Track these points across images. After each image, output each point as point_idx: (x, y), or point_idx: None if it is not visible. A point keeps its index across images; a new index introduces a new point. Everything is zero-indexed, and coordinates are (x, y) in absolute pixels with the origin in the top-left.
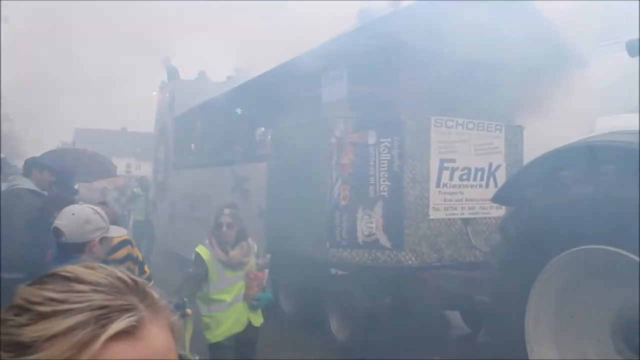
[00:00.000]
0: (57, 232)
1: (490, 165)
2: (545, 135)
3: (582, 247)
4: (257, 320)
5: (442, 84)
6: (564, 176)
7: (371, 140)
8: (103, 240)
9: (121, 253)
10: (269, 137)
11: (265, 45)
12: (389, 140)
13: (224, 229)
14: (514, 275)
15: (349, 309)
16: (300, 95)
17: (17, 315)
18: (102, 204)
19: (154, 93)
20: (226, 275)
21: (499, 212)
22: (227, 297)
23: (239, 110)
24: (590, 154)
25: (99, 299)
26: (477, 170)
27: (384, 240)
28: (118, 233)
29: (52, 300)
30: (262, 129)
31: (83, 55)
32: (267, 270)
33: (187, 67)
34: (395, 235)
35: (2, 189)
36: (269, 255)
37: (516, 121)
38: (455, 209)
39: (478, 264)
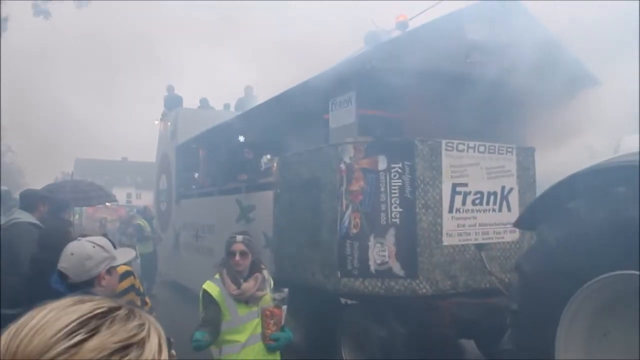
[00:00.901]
0: (62, 275)
1: (503, 188)
2: (556, 157)
3: (618, 272)
4: None
5: (451, 106)
6: (605, 194)
7: (382, 165)
8: (110, 270)
9: (124, 285)
10: (275, 164)
11: (271, 70)
12: (400, 165)
13: (237, 258)
14: (550, 284)
15: (362, 340)
16: (307, 121)
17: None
18: (104, 236)
19: (156, 122)
20: (239, 313)
21: (513, 236)
22: (241, 338)
23: (241, 138)
24: (627, 174)
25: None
26: (489, 194)
27: (397, 269)
28: (126, 258)
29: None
30: (268, 156)
31: (83, 85)
32: (285, 307)
33: (189, 95)
34: (409, 264)
35: (2, 222)
36: (286, 290)
37: (527, 143)
38: (469, 234)
39: (494, 290)
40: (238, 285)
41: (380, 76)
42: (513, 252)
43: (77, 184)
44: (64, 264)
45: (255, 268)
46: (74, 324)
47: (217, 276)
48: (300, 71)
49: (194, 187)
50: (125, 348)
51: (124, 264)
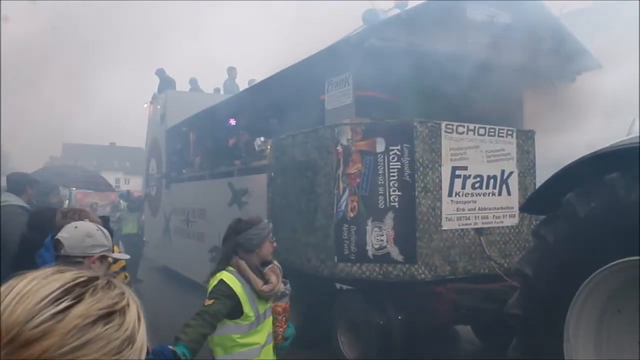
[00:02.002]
0: (57, 244)
1: (503, 172)
2: (557, 140)
3: (633, 257)
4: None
5: (451, 87)
6: (612, 180)
7: (380, 147)
8: (102, 259)
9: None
10: (269, 146)
11: (264, 50)
12: (399, 147)
13: (271, 244)
14: (553, 284)
15: (359, 326)
16: (302, 102)
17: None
18: (104, 218)
19: (145, 105)
20: (259, 310)
21: (512, 220)
22: (260, 339)
23: (233, 121)
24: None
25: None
26: (489, 177)
27: (396, 254)
28: (120, 257)
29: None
30: (262, 138)
31: (71, 69)
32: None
33: (179, 78)
34: (407, 248)
35: None
36: (287, 281)
37: (526, 126)
38: (468, 218)
39: (492, 275)
40: (265, 281)
41: (378, 56)
42: (512, 236)
43: (74, 168)
44: (64, 233)
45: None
46: (58, 291)
47: (230, 268)
48: (294, 50)
49: (184, 171)
50: (109, 315)
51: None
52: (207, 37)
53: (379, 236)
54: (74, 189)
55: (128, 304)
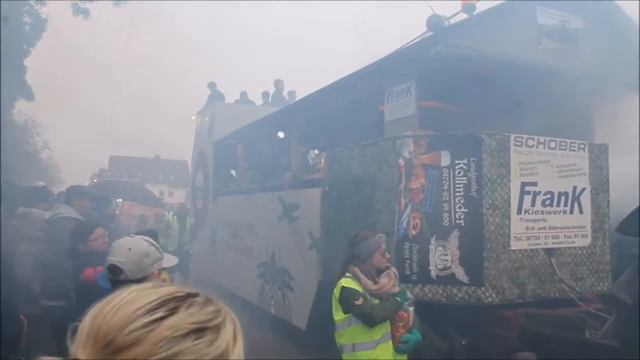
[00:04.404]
0: (115, 269)
1: (575, 188)
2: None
3: None
4: None
5: (520, 98)
6: None
7: (445, 161)
8: (160, 271)
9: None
10: (323, 160)
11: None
12: (465, 161)
13: (388, 255)
14: None
15: (420, 351)
16: (359, 113)
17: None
18: (151, 232)
19: (192, 117)
20: None
21: (584, 241)
22: (375, 335)
23: (284, 133)
24: None
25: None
26: (560, 194)
27: (461, 275)
28: (171, 262)
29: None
30: (316, 151)
31: (118, 83)
32: (412, 309)
33: (228, 91)
34: (474, 269)
35: (46, 217)
36: (407, 292)
37: (597, 139)
38: (538, 238)
39: (564, 300)
40: (375, 281)
41: (445, 63)
42: (584, 258)
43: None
44: (120, 258)
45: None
46: (154, 302)
47: (348, 274)
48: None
49: (231, 184)
50: (200, 330)
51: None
52: (253, 50)
53: (443, 256)
54: (119, 200)
55: (224, 322)
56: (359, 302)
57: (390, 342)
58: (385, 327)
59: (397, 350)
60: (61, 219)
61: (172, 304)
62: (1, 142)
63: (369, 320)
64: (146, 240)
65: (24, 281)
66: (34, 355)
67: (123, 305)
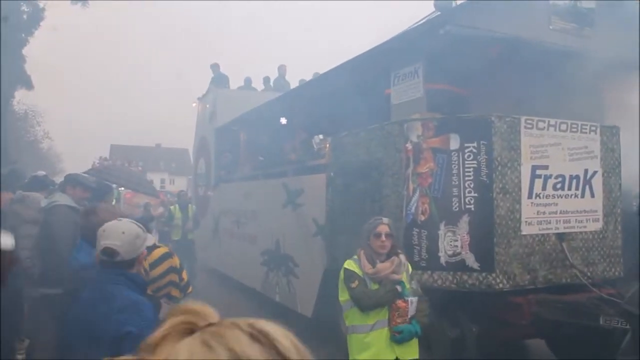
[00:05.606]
0: (112, 252)
1: (586, 172)
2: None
3: None
4: (407, 354)
5: (529, 79)
6: None
7: (454, 145)
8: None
9: (163, 267)
10: (328, 145)
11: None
12: (475, 144)
13: (383, 238)
14: None
15: (430, 338)
16: (364, 97)
17: None
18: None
19: (194, 104)
20: None
21: (596, 225)
22: (369, 320)
23: (287, 119)
24: None
25: None
26: (571, 178)
27: (471, 261)
28: (150, 241)
29: None
30: (320, 136)
31: (118, 72)
32: (414, 299)
33: (231, 75)
34: (484, 255)
35: (42, 205)
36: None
37: (607, 122)
38: (549, 222)
39: (576, 285)
40: (373, 265)
41: (453, 44)
42: (596, 242)
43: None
44: (116, 241)
45: (392, 251)
46: None
47: (355, 257)
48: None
49: (235, 170)
50: None
51: (162, 246)
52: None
53: (453, 241)
54: (122, 188)
55: None
56: (354, 284)
57: (386, 329)
58: (382, 315)
59: (392, 339)
60: (57, 206)
61: None
62: (1, 132)
63: (359, 304)
64: (132, 222)
65: (26, 264)
66: (35, 337)
67: None
